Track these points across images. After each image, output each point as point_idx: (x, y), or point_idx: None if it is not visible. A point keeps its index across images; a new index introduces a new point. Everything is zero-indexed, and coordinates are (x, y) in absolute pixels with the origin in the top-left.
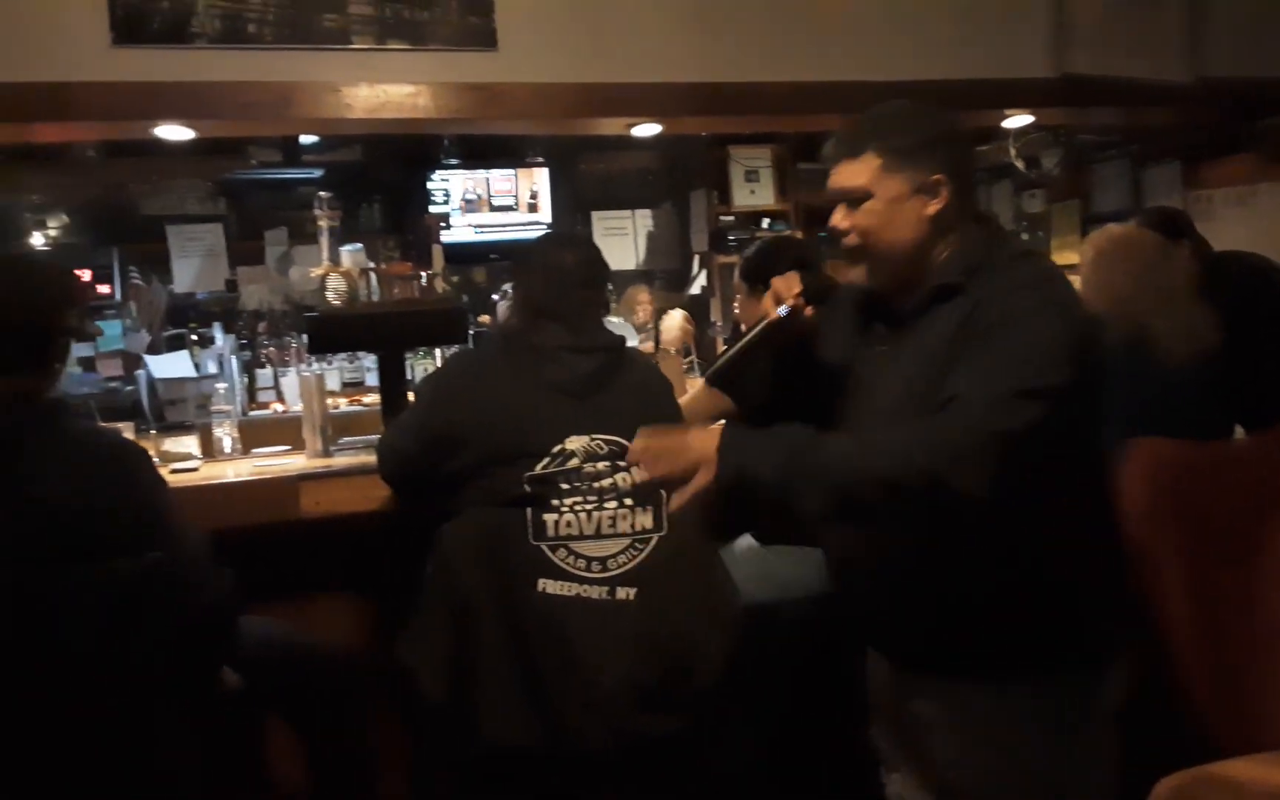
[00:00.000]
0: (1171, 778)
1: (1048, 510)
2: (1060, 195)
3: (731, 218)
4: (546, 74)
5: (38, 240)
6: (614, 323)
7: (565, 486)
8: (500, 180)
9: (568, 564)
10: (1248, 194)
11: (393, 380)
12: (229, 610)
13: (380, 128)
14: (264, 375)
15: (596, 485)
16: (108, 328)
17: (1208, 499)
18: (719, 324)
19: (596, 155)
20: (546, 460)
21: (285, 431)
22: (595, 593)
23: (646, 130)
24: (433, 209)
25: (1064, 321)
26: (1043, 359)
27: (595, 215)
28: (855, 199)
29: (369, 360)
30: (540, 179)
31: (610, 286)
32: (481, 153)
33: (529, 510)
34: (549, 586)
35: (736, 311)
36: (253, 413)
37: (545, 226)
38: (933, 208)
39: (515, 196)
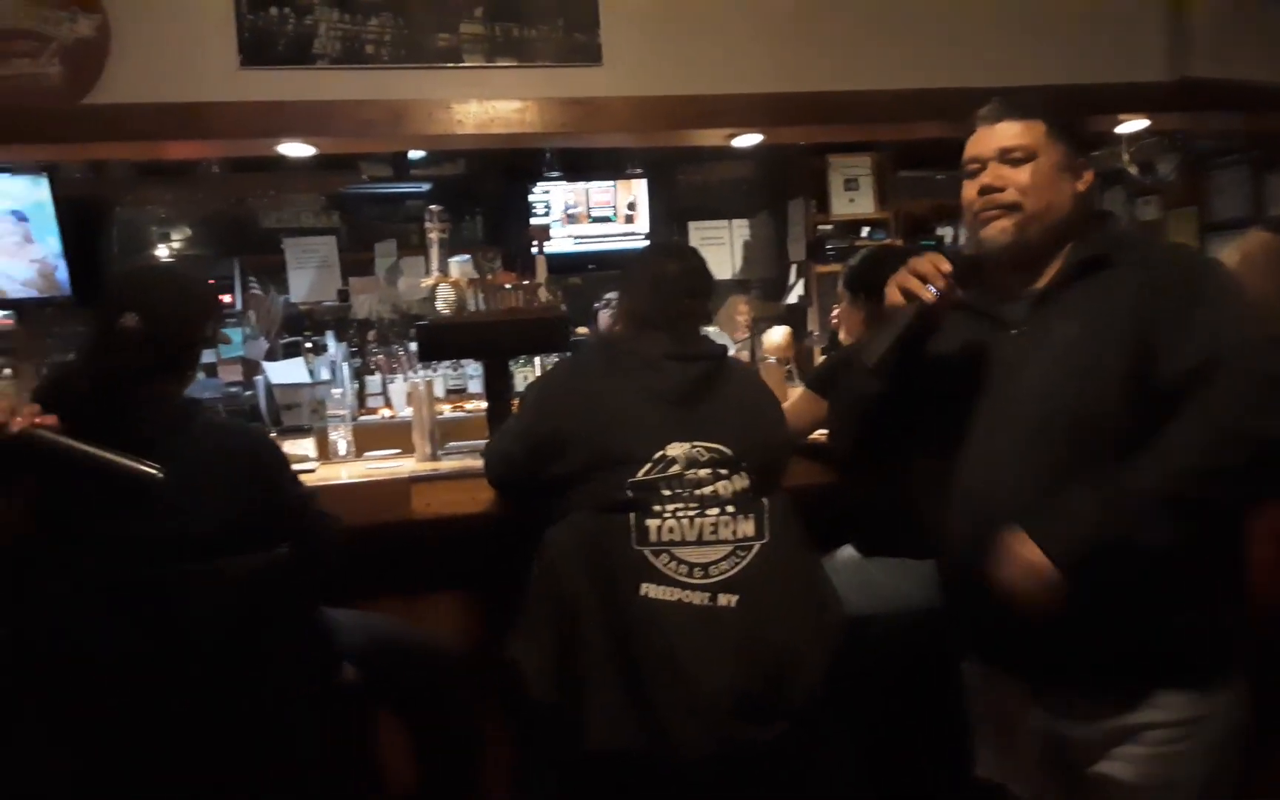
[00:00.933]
0: None
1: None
2: (1176, 202)
3: (830, 226)
4: (649, 87)
5: (162, 252)
6: (711, 333)
7: (667, 493)
8: (599, 192)
9: (670, 569)
10: None
11: (498, 387)
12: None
13: (488, 143)
14: (373, 382)
15: (698, 493)
16: (231, 335)
17: None
18: (815, 333)
19: (694, 165)
20: (649, 466)
21: (394, 436)
22: (697, 598)
23: (747, 140)
24: (533, 220)
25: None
26: (1263, 312)
27: (692, 225)
28: (1019, 158)
29: (471, 368)
30: (638, 190)
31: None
32: (581, 165)
33: (632, 515)
34: (651, 591)
35: (835, 321)
36: (362, 418)
37: (642, 237)
38: (1081, 187)
39: (614, 208)
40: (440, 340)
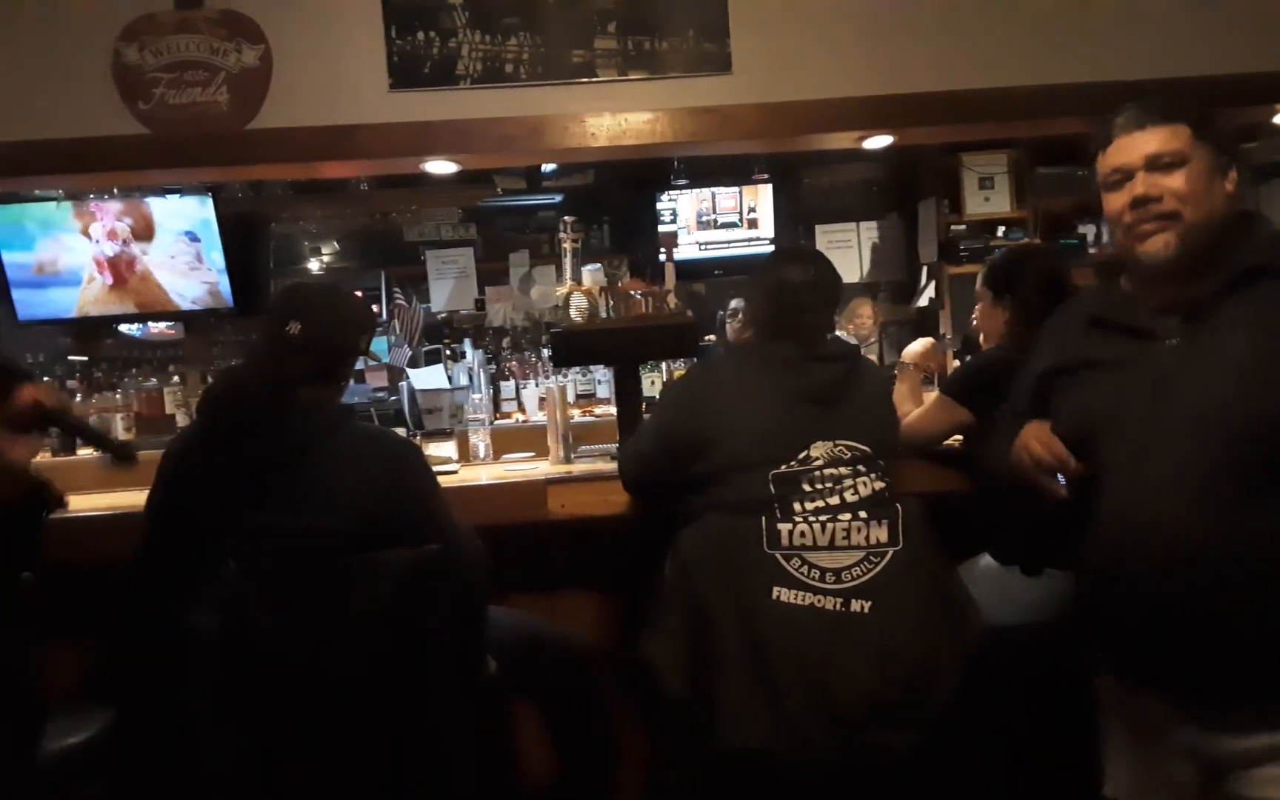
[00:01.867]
0: None
1: None
2: None
3: (964, 227)
4: (779, 93)
5: (314, 265)
6: (841, 337)
7: (807, 488)
8: (725, 198)
9: (801, 573)
10: None
11: (627, 392)
12: (486, 594)
13: (620, 154)
14: (507, 387)
15: (838, 489)
16: (376, 343)
17: None
18: (948, 337)
19: (820, 168)
20: (792, 464)
21: (528, 439)
22: (829, 603)
23: (878, 143)
24: (661, 228)
25: None
26: None
27: (819, 228)
28: (1170, 163)
29: (600, 374)
30: (763, 195)
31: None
32: (707, 172)
33: (764, 519)
34: (783, 594)
35: (975, 323)
36: (497, 422)
37: (767, 242)
38: (1230, 187)
39: (739, 213)
40: (573, 347)
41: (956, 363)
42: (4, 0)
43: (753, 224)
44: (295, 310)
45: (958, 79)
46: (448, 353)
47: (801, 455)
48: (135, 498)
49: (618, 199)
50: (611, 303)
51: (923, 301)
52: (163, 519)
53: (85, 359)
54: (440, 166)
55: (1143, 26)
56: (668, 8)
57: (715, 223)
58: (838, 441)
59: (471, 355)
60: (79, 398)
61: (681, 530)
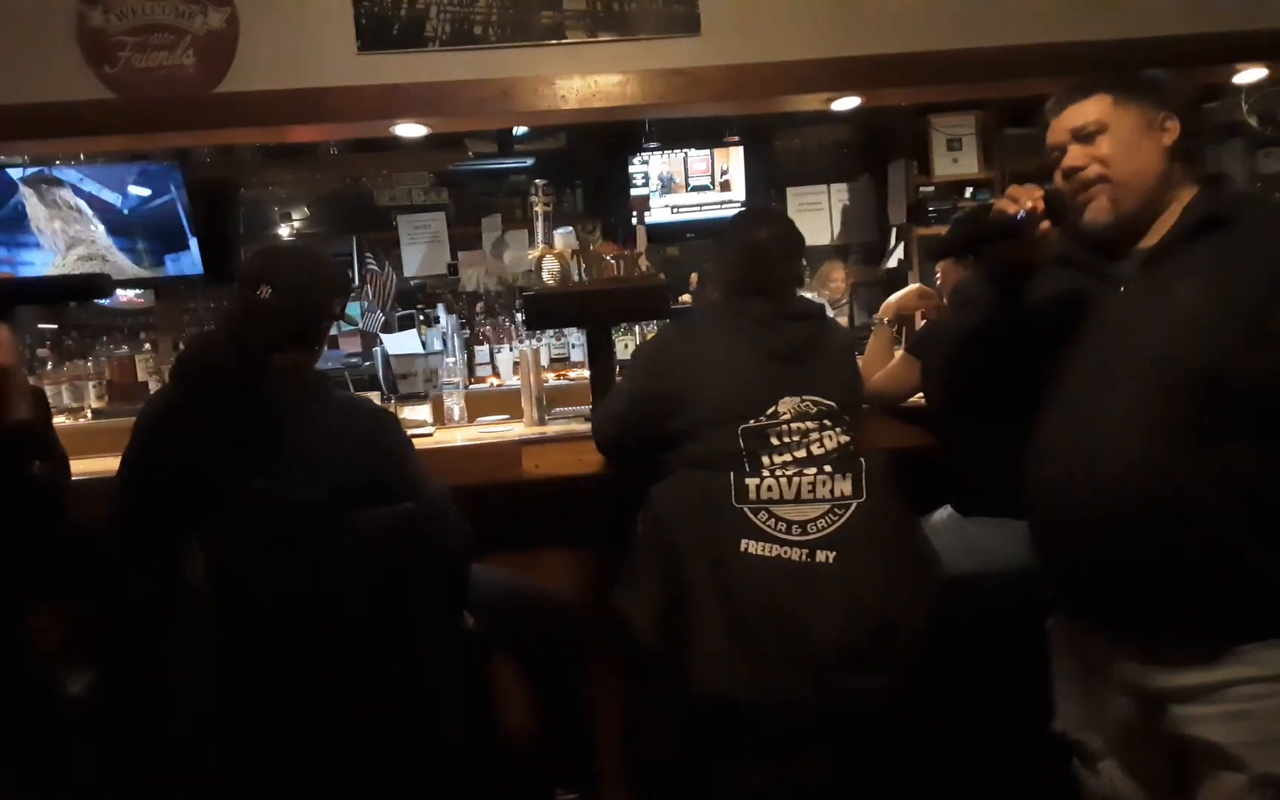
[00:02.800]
0: None
1: None
2: None
3: (932, 188)
4: (748, 55)
5: (284, 231)
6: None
7: (775, 442)
8: (697, 161)
9: (768, 526)
10: None
11: (600, 354)
12: (467, 554)
13: (590, 116)
14: (481, 352)
15: (804, 442)
16: (349, 309)
17: None
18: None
19: (792, 131)
20: (762, 419)
21: (502, 402)
22: (796, 555)
23: (846, 104)
24: (633, 191)
25: None
26: None
27: (790, 191)
28: (1090, 133)
29: (574, 338)
30: (735, 158)
31: (804, 261)
32: (679, 135)
33: (732, 474)
34: (751, 547)
35: (939, 282)
36: (472, 386)
37: (739, 205)
38: (1168, 140)
39: (711, 176)
40: (545, 310)
41: (923, 323)
42: None
43: (725, 187)
44: (266, 274)
45: (926, 40)
46: (421, 318)
47: (770, 411)
48: (108, 463)
49: (590, 163)
50: (584, 266)
51: (892, 263)
52: (139, 480)
53: (55, 327)
54: (410, 130)
55: None
56: None
57: (687, 186)
58: (804, 397)
59: (445, 320)
60: (50, 366)
61: (653, 486)
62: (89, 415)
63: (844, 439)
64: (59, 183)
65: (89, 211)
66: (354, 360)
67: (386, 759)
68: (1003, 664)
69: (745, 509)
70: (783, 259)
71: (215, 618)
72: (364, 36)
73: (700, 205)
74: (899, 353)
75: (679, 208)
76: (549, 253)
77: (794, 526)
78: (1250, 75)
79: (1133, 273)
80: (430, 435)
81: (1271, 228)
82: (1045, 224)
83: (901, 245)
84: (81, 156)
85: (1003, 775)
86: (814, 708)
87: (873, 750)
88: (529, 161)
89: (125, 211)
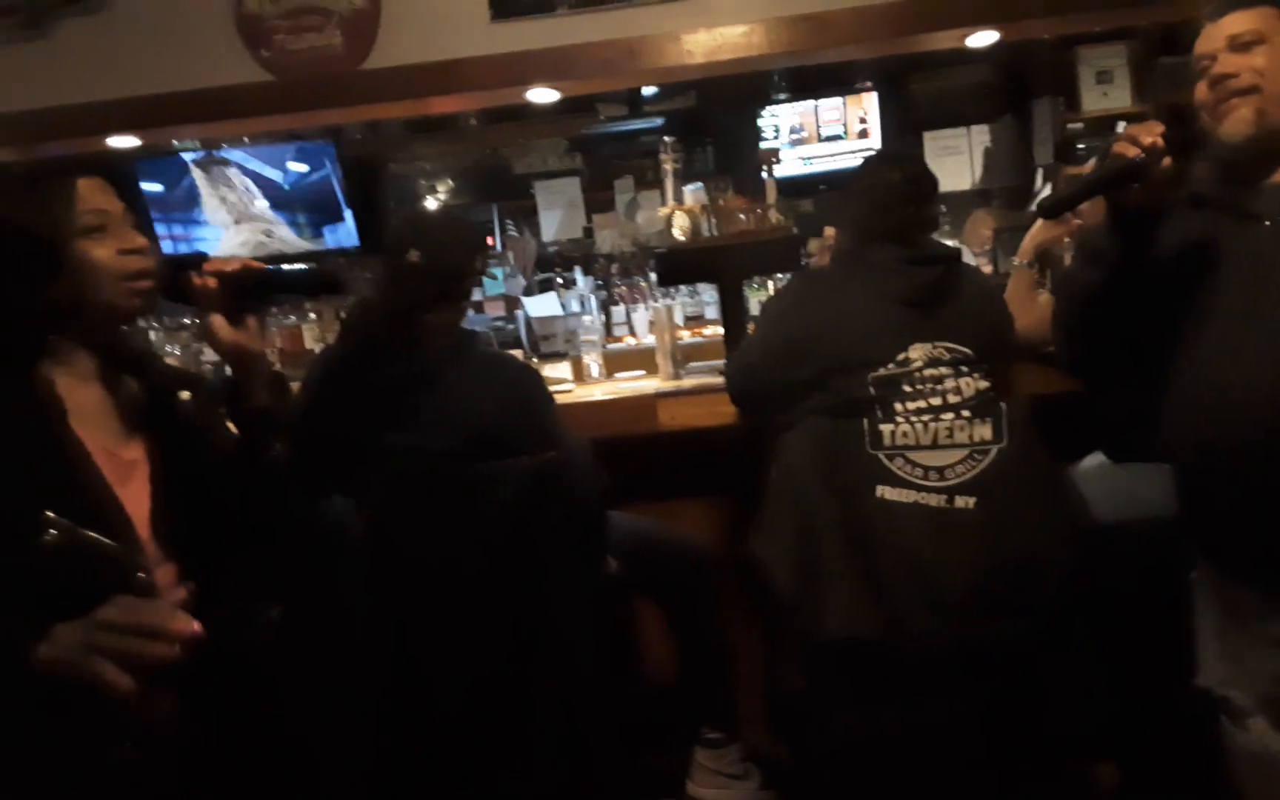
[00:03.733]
0: None
1: None
2: None
3: (1080, 125)
4: None
5: (430, 203)
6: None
7: (908, 389)
8: (828, 110)
9: (905, 472)
10: None
11: (732, 309)
12: (603, 501)
13: (717, 70)
14: (617, 312)
15: (939, 389)
16: (493, 273)
17: None
18: (1066, 240)
19: (928, 73)
20: (890, 366)
21: (638, 360)
22: (933, 500)
23: (983, 39)
24: (763, 145)
25: None
26: None
27: (928, 135)
28: (1247, 43)
29: (708, 295)
30: (869, 104)
31: (943, 207)
32: (809, 84)
33: (865, 421)
34: (887, 493)
35: (1078, 222)
36: (609, 345)
37: (871, 153)
38: None
39: (844, 125)
40: (677, 266)
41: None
42: None
43: (861, 135)
44: (413, 239)
45: None
46: (559, 281)
47: (900, 357)
48: None
49: (720, 119)
50: (714, 221)
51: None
52: (309, 425)
53: None
54: (541, 95)
55: None
56: None
57: (820, 136)
58: (936, 343)
59: (582, 282)
60: None
61: (784, 435)
62: None
63: (982, 384)
64: (226, 163)
65: (254, 188)
66: (499, 323)
67: (530, 697)
68: (1148, 615)
69: (880, 455)
70: (913, 201)
71: (370, 565)
72: (496, 6)
73: (833, 155)
74: (1043, 295)
75: (811, 159)
76: (678, 209)
77: (931, 472)
78: None
79: (1275, 207)
80: (570, 392)
81: None
82: (1166, 161)
83: (1049, 186)
84: (246, 139)
85: (1144, 729)
86: (950, 652)
87: (1009, 697)
88: (659, 121)
89: (286, 187)
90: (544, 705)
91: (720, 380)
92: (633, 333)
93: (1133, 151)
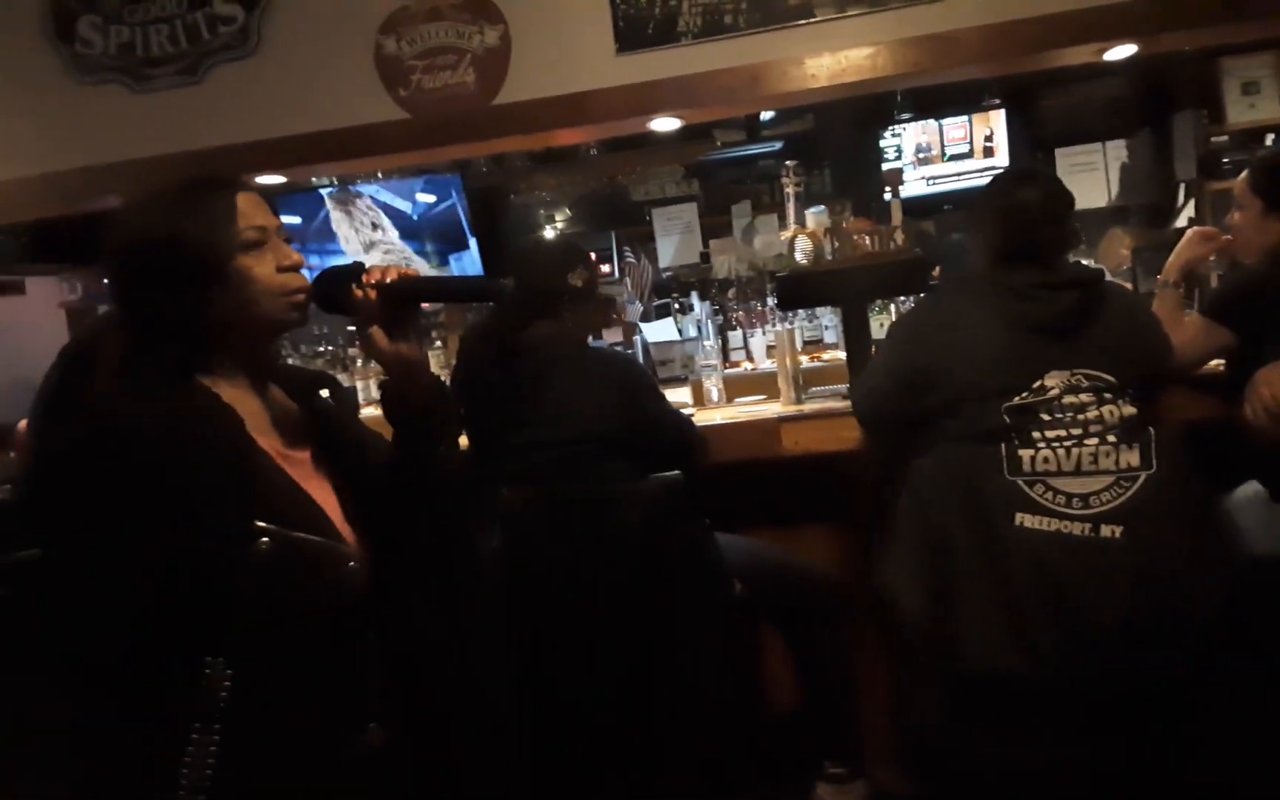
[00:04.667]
0: None
1: None
2: None
3: (1225, 138)
4: (1006, 11)
5: (549, 232)
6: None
7: (1046, 418)
8: (953, 128)
9: (1046, 499)
10: None
11: (856, 332)
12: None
13: (841, 93)
14: (734, 337)
15: (1080, 418)
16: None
17: None
18: (1211, 259)
19: (1059, 88)
20: (1025, 395)
21: (758, 385)
22: (1077, 529)
23: (1120, 53)
24: (884, 165)
25: None
26: None
27: (1060, 152)
28: None
29: (827, 319)
30: (996, 122)
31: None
32: (933, 103)
33: (1003, 446)
34: (1026, 520)
35: (1231, 235)
36: (726, 371)
37: (1002, 171)
38: None
39: (969, 143)
40: (799, 290)
41: (1219, 280)
42: (281, 9)
43: (987, 153)
44: (509, 268)
45: None
46: (676, 306)
47: (1035, 385)
48: None
49: (839, 141)
50: (836, 244)
51: (1180, 222)
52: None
53: None
54: (664, 123)
55: None
56: None
57: (944, 155)
58: (1075, 371)
59: (699, 307)
60: (359, 362)
61: (915, 461)
62: None
63: (1129, 410)
64: (359, 196)
65: (385, 220)
66: (617, 349)
67: (657, 715)
68: None
69: (1019, 481)
70: (1048, 222)
71: (503, 581)
72: (621, 38)
73: (959, 174)
74: (1190, 315)
75: (935, 179)
76: (801, 232)
77: (1075, 499)
78: None
79: None
80: (692, 416)
81: None
82: None
83: (1191, 203)
84: (379, 174)
85: None
86: (1094, 687)
87: (1156, 737)
88: (777, 145)
89: (415, 217)
90: (670, 724)
91: (843, 405)
92: (750, 357)
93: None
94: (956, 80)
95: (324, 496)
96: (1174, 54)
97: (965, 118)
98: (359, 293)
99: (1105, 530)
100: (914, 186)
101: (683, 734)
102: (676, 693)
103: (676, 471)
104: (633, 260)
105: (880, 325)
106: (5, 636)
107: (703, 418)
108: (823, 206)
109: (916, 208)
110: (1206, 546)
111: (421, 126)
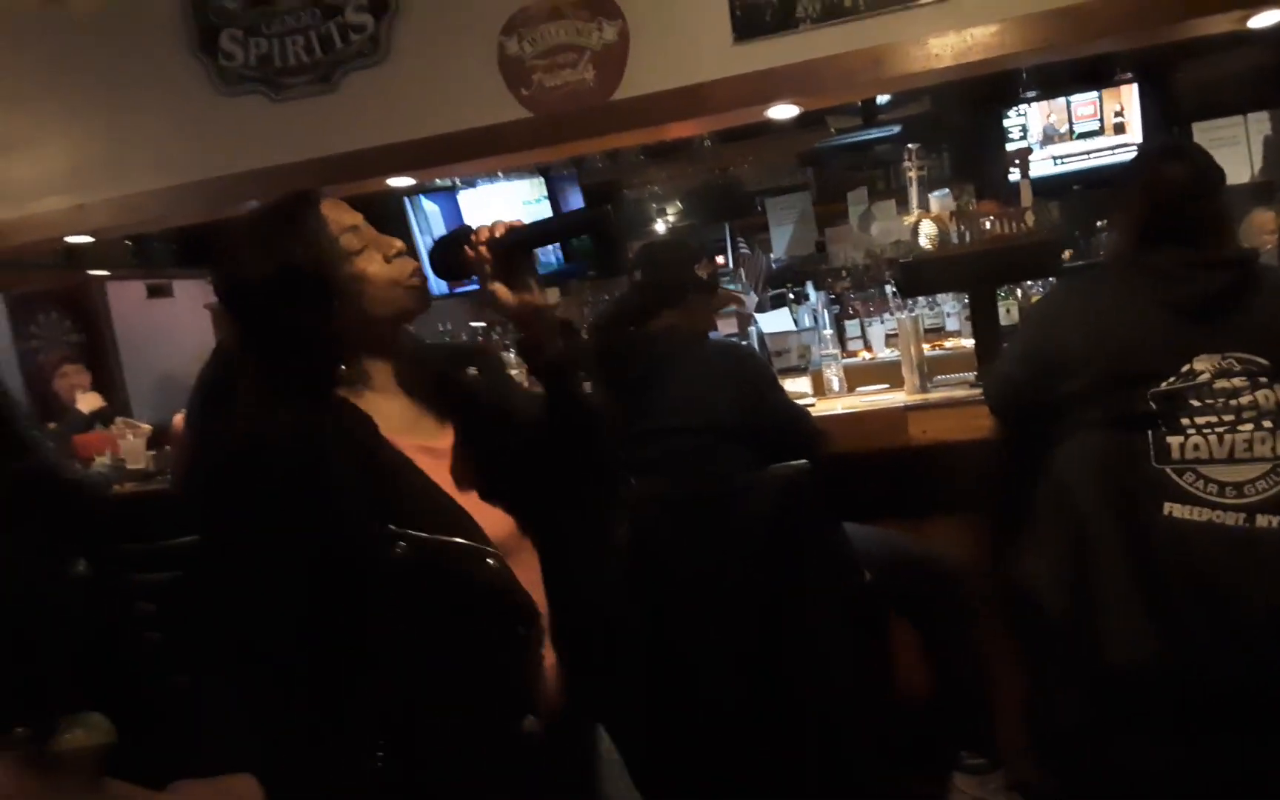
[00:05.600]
0: None
1: None
2: None
3: None
4: None
5: (660, 226)
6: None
7: (1195, 403)
8: (1082, 105)
9: (1196, 488)
10: None
11: (985, 318)
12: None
13: (966, 72)
14: (851, 326)
15: (1232, 404)
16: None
17: None
18: None
19: (1197, 59)
20: (1173, 380)
21: (877, 374)
22: (1231, 519)
23: (1268, 19)
24: (1010, 146)
25: None
26: None
27: (1196, 127)
28: None
29: (948, 306)
30: (1128, 97)
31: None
32: (1060, 79)
33: (1150, 433)
34: (1176, 511)
35: None
36: (844, 360)
37: (1134, 149)
38: None
39: (1099, 120)
40: (923, 276)
41: None
42: (408, 16)
43: (1118, 130)
44: (635, 262)
45: None
46: (791, 296)
47: (1184, 370)
48: None
49: (959, 122)
50: (962, 228)
51: None
52: None
53: (484, 324)
54: (782, 111)
55: None
56: None
57: (1072, 133)
58: (1226, 354)
59: (814, 296)
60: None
61: (1054, 449)
62: None
63: None
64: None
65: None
66: (732, 340)
67: (789, 703)
68: None
69: (1168, 470)
70: (1198, 199)
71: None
72: (739, 27)
73: (1088, 153)
74: None
75: (1062, 158)
76: (925, 217)
77: (1228, 488)
78: None
79: None
80: (811, 405)
81: None
82: None
83: None
84: (500, 173)
85: None
86: (1246, 685)
87: None
88: (895, 130)
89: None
90: (803, 710)
91: (972, 393)
92: (868, 347)
93: None
94: (1085, 55)
95: (466, 487)
96: None
97: (1094, 94)
98: (471, 254)
99: (1261, 521)
100: (1040, 166)
101: (815, 724)
102: (808, 682)
103: (802, 461)
104: (747, 251)
105: (1007, 310)
106: (181, 615)
107: (824, 407)
108: (947, 190)
109: (1044, 188)
110: None
111: (544, 124)
